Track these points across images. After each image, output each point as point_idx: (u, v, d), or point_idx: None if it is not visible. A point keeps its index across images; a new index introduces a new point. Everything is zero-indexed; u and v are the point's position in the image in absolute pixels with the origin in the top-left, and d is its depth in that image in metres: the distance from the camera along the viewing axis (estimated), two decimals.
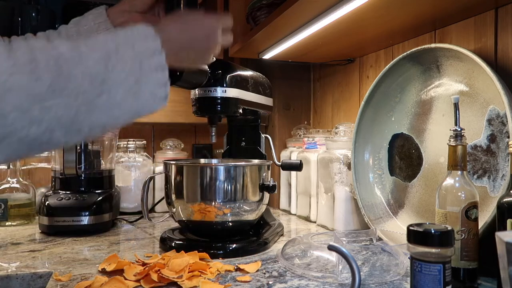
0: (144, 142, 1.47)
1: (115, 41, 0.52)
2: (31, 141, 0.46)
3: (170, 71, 0.56)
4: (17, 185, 1.22)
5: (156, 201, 1.41)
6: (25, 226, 1.19)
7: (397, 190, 1.00)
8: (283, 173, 1.45)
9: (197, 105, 0.96)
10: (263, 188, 0.95)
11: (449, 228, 0.57)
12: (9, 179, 1.22)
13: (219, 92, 0.93)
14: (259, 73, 1.13)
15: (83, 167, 1.18)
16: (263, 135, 1.10)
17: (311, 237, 0.88)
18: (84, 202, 1.11)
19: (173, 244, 0.90)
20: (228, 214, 0.90)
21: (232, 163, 0.95)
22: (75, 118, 0.48)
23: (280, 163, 1.03)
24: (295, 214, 1.37)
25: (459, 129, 0.69)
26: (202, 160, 1.26)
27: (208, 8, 1.65)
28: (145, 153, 1.47)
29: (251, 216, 0.94)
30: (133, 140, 1.43)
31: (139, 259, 0.80)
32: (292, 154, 1.39)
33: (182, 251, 0.83)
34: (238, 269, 0.78)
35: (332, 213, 1.13)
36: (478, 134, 0.81)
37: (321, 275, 0.74)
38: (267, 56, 1.36)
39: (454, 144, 0.69)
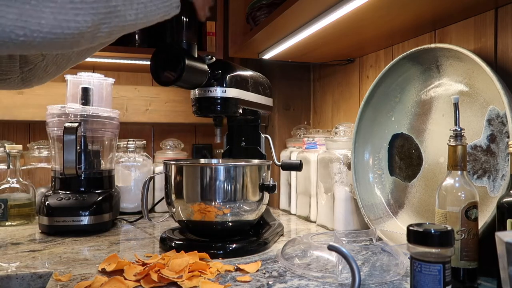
0: (144, 142, 1.47)
1: None
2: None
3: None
4: (17, 185, 1.22)
5: (156, 201, 1.41)
6: (25, 226, 1.19)
7: (397, 190, 1.00)
8: (283, 173, 1.45)
9: (197, 105, 0.96)
10: (263, 188, 0.95)
11: (449, 228, 0.57)
12: (9, 179, 1.21)
13: (219, 92, 0.93)
14: (259, 73, 1.13)
15: (83, 167, 1.18)
16: (263, 135, 1.10)
17: (311, 237, 0.88)
18: (84, 202, 1.11)
19: (173, 244, 0.90)
20: (228, 214, 0.90)
21: (232, 163, 0.95)
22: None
23: (280, 163, 1.03)
24: (295, 214, 1.37)
25: (459, 129, 0.69)
26: (202, 160, 1.26)
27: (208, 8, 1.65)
28: (145, 153, 1.47)
29: (251, 216, 0.94)
30: (133, 140, 1.44)
31: (139, 259, 0.80)
32: (292, 154, 1.39)
33: (182, 251, 0.83)
34: (238, 269, 0.78)
35: (332, 213, 1.13)
36: (478, 134, 0.81)
37: (321, 275, 0.74)
38: (267, 56, 1.36)
39: (454, 144, 0.69)
